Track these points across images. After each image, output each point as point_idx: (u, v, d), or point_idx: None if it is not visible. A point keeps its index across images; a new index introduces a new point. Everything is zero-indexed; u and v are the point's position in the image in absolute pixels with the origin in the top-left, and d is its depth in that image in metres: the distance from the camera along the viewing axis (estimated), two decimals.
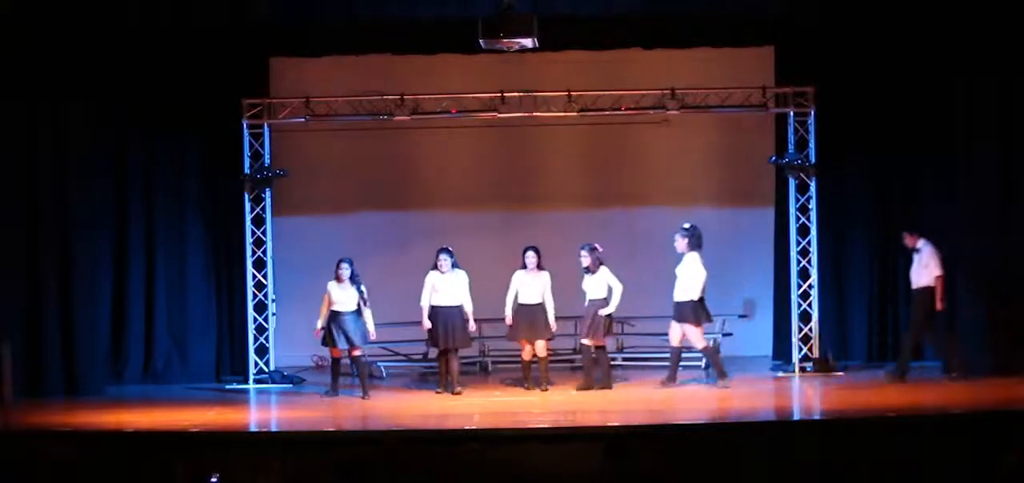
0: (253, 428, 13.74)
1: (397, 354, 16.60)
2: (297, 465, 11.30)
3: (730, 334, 16.54)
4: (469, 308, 14.75)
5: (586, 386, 14.77)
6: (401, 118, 15.80)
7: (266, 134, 16.01)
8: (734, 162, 17.25)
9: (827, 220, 16.11)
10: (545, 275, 14.80)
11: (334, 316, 14.70)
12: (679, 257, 14.77)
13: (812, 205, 15.89)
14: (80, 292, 15.41)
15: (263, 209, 16.04)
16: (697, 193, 17.28)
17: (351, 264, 14.78)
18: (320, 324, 14.78)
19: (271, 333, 16.03)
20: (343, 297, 14.70)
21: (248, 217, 15.99)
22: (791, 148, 15.92)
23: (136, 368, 16.22)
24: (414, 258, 15.50)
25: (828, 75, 15.91)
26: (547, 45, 15.01)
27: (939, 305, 14.70)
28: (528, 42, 14.43)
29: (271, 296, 16.03)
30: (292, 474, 11.27)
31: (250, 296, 15.98)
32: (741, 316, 16.78)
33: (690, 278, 14.62)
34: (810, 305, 15.91)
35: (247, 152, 15.90)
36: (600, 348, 14.89)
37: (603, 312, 14.66)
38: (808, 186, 15.90)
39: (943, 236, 15.15)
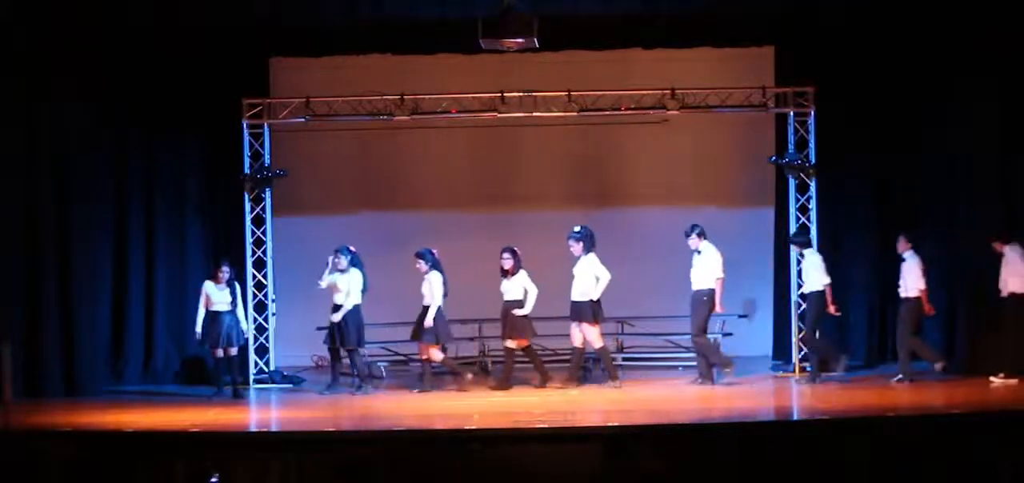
0: (253, 428, 13.72)
1: (397, 354, 16.60)
2: (297, 465, 11.30)
3: (730, 334, 16.53)
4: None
5: (503, 384, 14.94)
6: (401, 118, 15.81)
7: (266, 134, 16.02)
8: (734, 162, 17.25)
9: (827, 220, 16.09)
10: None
11: (212, 316, 14.82)
12: (576, 259, 14.83)
13: (812, 205, 15.89)
14: (80, 292, 15.41)
15: (263, 209, 16.04)
16: (697, 193, 17.27)
17: (229, 265, 14.87)
18: (199, 324, 14.91)
19: (271, 333, 16.05)
20: (220, 297, 14.82)
21: (248, 217, 15.99)
22: (791, 148, 15.92)
23: (136, 368, 16.22)
24: (413, 258, 15.46)
25: (828, 75, 15.91)
26: (547, 45, 15.01)
27: None
28: (528, 42, 14.43)
29: (271, 296, 16.04)
30: (292, 474, 11.27)
31: (250, 296, 15.98)
32: (741, 316, 16.76)
33: (587, 279, 14.72)
34: None
35: (247, 152, 15.90)
36: (511, 350, 15.00)
37: (519, 313, 14.78)
38: (808, 186, 15.90)
39: (943, 237, 15.14)
